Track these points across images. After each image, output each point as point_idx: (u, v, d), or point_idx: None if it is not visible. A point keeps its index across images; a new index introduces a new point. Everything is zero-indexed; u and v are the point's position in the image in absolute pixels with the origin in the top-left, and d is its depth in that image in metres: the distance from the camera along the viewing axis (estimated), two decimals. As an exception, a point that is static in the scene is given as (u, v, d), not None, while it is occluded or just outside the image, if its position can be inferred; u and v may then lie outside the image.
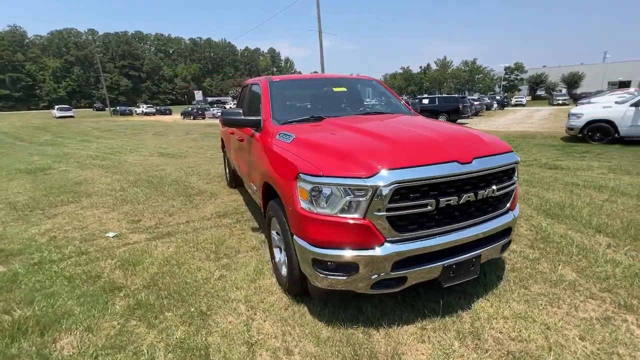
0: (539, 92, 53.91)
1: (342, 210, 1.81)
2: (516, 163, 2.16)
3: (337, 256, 1.84)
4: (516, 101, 40.47)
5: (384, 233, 1.81)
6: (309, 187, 1.86)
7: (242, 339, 2.03)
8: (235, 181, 5.40)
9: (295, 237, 2.03)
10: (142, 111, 47.48)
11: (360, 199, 1.76)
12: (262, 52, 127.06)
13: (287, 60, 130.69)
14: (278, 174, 2.21)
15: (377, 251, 1.80)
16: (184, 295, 2.50)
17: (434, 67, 57.02)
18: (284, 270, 2.53)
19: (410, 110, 3.47)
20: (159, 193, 5.42)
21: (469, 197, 1.91)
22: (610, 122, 9.20)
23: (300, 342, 1.99)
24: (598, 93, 35.73)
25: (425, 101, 19.87)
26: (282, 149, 2.30)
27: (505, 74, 55.70)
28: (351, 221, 1.80)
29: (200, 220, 4.13)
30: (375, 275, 1.85)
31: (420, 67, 58.53)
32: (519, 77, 56.60)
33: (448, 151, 1.91)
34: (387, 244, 1.82)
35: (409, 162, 1.81)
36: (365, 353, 1.87)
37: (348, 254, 1.82)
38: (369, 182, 1.74)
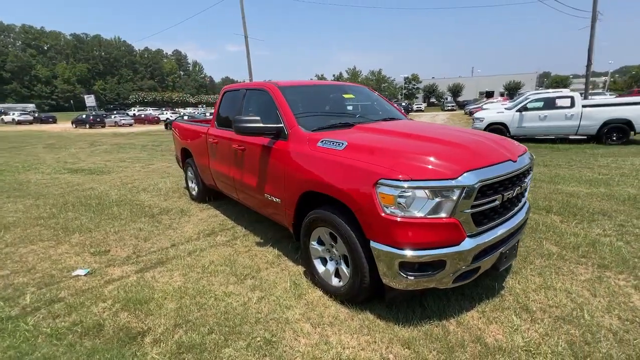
0: (432, 100, 62.87)
1: (431, 212, 1.89)
2: (532, 159, 2.58)
3: (426, 256, 1.91)
4: (417, 107, 46.47)
5: (466, 229, 1.96)
6: (396, 192, 1.89)
7: (331, 358, 1.92)
8: (207, 195, 4.91)
9: (374, 243, 2.02)
10: (14, 119, 38.41)
11: (449, 199, 1.88)
12: (166, 53, 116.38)
13: (195, 64, 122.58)
14: (342, 182, 2.15)
15: (463, 246, 1.94)
16: (233, 326, 2.21)
17: (345, 75, 61.13)
18: (334, 281, 2.48)
19: (405, 115, 3.75)
20: (109, 216, 4.56)
21: (518, 189, 2.21)
22: (503, 124, 11.49)
23: (389, 347, 1.99)
24: (476, 101, 43.56)
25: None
26: (338, 156, 2.25)
27: (405, 83, 63.29)
28: (440, 221, 1.90)
29: (188, 241, 3.65)
30: (459, 269, 1.99)
31: (334, 75, 62.15)
32: (415, 87, 65.01)
33: (503, 152, 2.18)
34: (468, 239, 1.97)
35: (484, 162, 2.01)
36: (455, 344, 1.98)
37: (437, 252, 1.91)
38: (458, 183, 1.86)
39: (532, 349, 1.91)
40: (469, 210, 1.92)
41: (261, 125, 2.81)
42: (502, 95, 57.67)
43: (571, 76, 73.90)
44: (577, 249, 3.13)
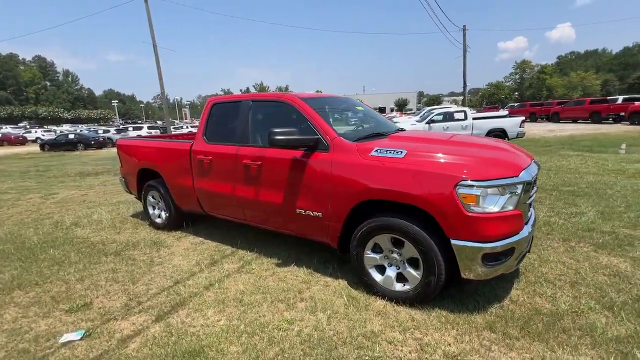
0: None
1: (504, 206, 2.17)
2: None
3: (503, 245, 2.17)
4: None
5: (525, 218, 2.31)
6: (477, 191, 2.10)
7: (441, 358, 1.97)
8: (181, 221, 4.29)
9: (456, 241, 2.18)
10: None
11: (515, 193, 2.19)
12: (24, 59, 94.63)
13: (67, 73, 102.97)
14: (417, 188, 2.25)
15: (523, 233, 2.27)
16: (327, 353, 2.03)
17: (253, 90, 60.74)
18: (397, 286, 2.54)
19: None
20: (51, 262, 3.55)
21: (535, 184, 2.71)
22: (418, 135, 13.36)
23: (481, 335, 2.15)
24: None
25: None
26: (404, 163, 2.35)
27: (311, 99, 66.61)
28: (511, 213, 2.19)
29: (193, 275, 3.13)
30: (520, 253, 2.32)
31: (241, 89, 61.02)
32: (321, 102, 69.12)
33: (529, 156, 2.65)
34: (525, 226, 2.32)
35: (526, 163, 2.41)
36: (524, 318, 2.27)
37: (510, 240, 2.19)
38: (520, 179, 2.20)
39: (576, 310, 2.35)
40: (527, 202, 2.28)
41: (300, 137, 2.69)
42: (392, 110, 66.45)
43: (440, 95, 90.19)
44: (540, 229, 3.92)
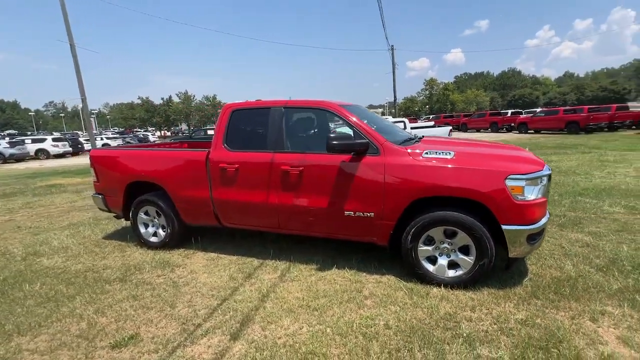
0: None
1: (538, 195, 2.65)
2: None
3: (540, 226, 2.65)
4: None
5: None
6: (522, 183, 2.55)
7: (520, 324, 2.31)
8: (183, 237, 3.94)
9: (507, 226, 2.58)
10: None
11: (542, 184, 2.70)
12: None
13: None
14: (472, 183, 2.59)
15: (547, 216, 2.80)
16: (434, 335, 2.20)
17: (176, 99, 56.49)
18: (449, 273, 2.85)
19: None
20: (47, 297, 2.96)
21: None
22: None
23: (531, 303, 2.57)
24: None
25: (211, 132, 20.19)
26: (456, 163, 2.69)
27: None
28: (541, 200, 2.69)
29: (236, 290, 2.95)
30: (545, 234, 2.84)
31: (162, 98, 56.07)
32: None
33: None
34: (547, 212, 2.86)
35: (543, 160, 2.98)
36: (556, 284, 2.78)
37: (543, 223, 2.68)
38: (546, 172, 2.73)
39: (581, 274, 2.96)
40: (547, 193, 2.83)
41: (354, 142, 2.83)
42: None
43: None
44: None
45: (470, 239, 2.69)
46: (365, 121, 3.24)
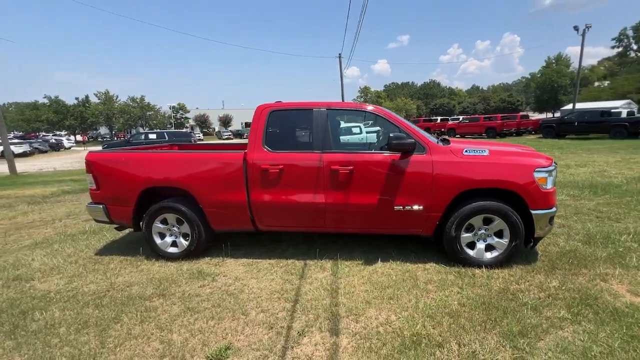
0: (204, 129, 63.80)
1: (552, 184, 3.23)
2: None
3: (556, 210, 3.23)
4: (198, 137, 46.01)
5: (553, 192, 3.47)
6: (546, 175, 3.10)
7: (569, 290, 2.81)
8: (206, 244, 3.73)
9: (535, 211, 3.09)
10: None
11: (553, 176, 3.30)
12: None
13: None
14: (509, 175, 3.06)
15: (556, 204, 3.43)
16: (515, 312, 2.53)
17: (95, 100, 49.81)
18: (487, 255, 3.28)
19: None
20: (81, 324, 2.54)
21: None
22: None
23: (555, 274, 3.12)
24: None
25: (152, 136, 18.47)
26: (493, 159, 3.13)
27: (173, 112, 60.44)
28: (554, 189, 3.28)
29: (300, 290, 2.94)
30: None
31: (77, 98, 48.75)
32: (184, 116, 63.58)
33: None
34: (554, 198, 3.49)
35: (546, 155, 3.61)
36: (573, 259, 3.41)
37: (556, 207, 3.28)
38: (555, 166, 3.33)
39: (573, 248, 3.66)
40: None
41: (407, 141, 3.08)
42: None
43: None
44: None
45: (506, 224, 3.15)
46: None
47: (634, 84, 41.48)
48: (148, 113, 53.59)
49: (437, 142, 3.48)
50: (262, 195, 3.41)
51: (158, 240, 3.69)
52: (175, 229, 3.68)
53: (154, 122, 53.38)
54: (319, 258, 3.59)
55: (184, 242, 3.67)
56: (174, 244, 3.71)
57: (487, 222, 3.23)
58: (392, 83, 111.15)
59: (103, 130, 65.46)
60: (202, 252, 3.74)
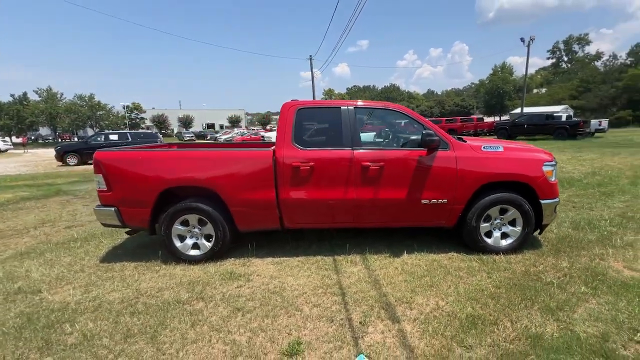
0: (163, 130, 60.29)
1: (554, 177, 3.62)
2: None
3: (559, 200, 3.63)
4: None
5: (553, 185, 3.88)
6: (552, 168, 3.47)
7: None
8: (232, 244, 3.64)
9: (544, 200, 3.44)
10: None
11: (555, 169, 3.70)
12: None
13: None
14: (523, 169, 3.38)
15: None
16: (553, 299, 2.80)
17: (36, 97, 44.77)
18: (503, 243, 3.58)
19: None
20: (128, 332, 2.37)
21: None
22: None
23: (562, 257, 3.49)
24: (217, 131, 47.30)
25: (114, 137, 17.14)
26: (508, 155, 3.44)
27: (127, 112, 56.43)
28: (556, 181, 3.66)
29: (342, 285, 2.99)
30: (554, 206, 3.87)
31: (12, 95, 43.39)
32: (139, 116, 59.63)
33: None
34: (554, 190, 3.90)
35: (545, 151, 4.02)
36: (573, 242, 3.82)
37: (559, 198, 3.68)
38: (556, 161, 3.74)
39: (566, 233, 4.12)
40: (554, 174, 3.87)
41: (436, 138, 3.28)
42: (221, 127, 66.23)
43: (269, 112, 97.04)
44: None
45: (519, 213, 3.47)
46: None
47: (567, 91, 46.87)
48: (98, 113, 49.41)
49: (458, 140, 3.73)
50: (292, 192, 3.40)
51: (178, 244, 3.51)
52: (196, 230, 3.53)
53: (106, 122, 49.36)
54: (344, 254, 3.66)
55: (206, 244, 3.53)
56: (195, 246, 3.55)
57: (503, 212, 3.53)
58: (354, 86, 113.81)
59: (44, 131, 59.26)
60: (223, 254, 3.63)
